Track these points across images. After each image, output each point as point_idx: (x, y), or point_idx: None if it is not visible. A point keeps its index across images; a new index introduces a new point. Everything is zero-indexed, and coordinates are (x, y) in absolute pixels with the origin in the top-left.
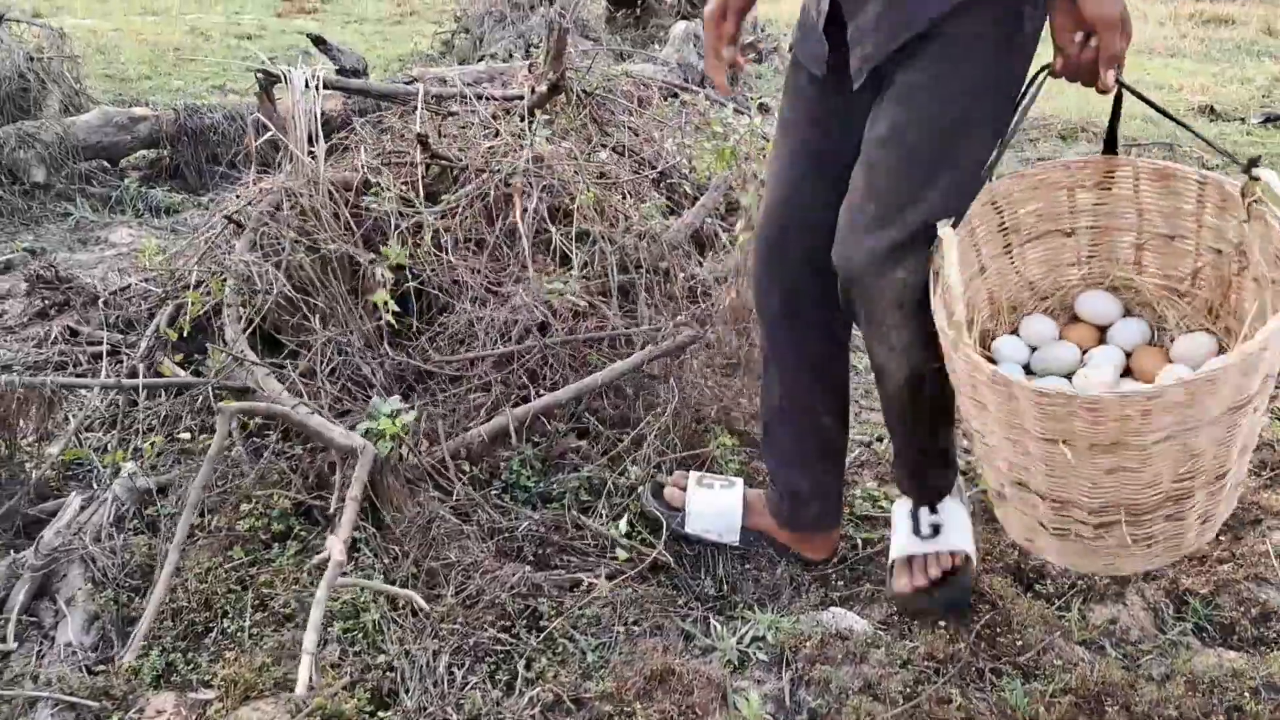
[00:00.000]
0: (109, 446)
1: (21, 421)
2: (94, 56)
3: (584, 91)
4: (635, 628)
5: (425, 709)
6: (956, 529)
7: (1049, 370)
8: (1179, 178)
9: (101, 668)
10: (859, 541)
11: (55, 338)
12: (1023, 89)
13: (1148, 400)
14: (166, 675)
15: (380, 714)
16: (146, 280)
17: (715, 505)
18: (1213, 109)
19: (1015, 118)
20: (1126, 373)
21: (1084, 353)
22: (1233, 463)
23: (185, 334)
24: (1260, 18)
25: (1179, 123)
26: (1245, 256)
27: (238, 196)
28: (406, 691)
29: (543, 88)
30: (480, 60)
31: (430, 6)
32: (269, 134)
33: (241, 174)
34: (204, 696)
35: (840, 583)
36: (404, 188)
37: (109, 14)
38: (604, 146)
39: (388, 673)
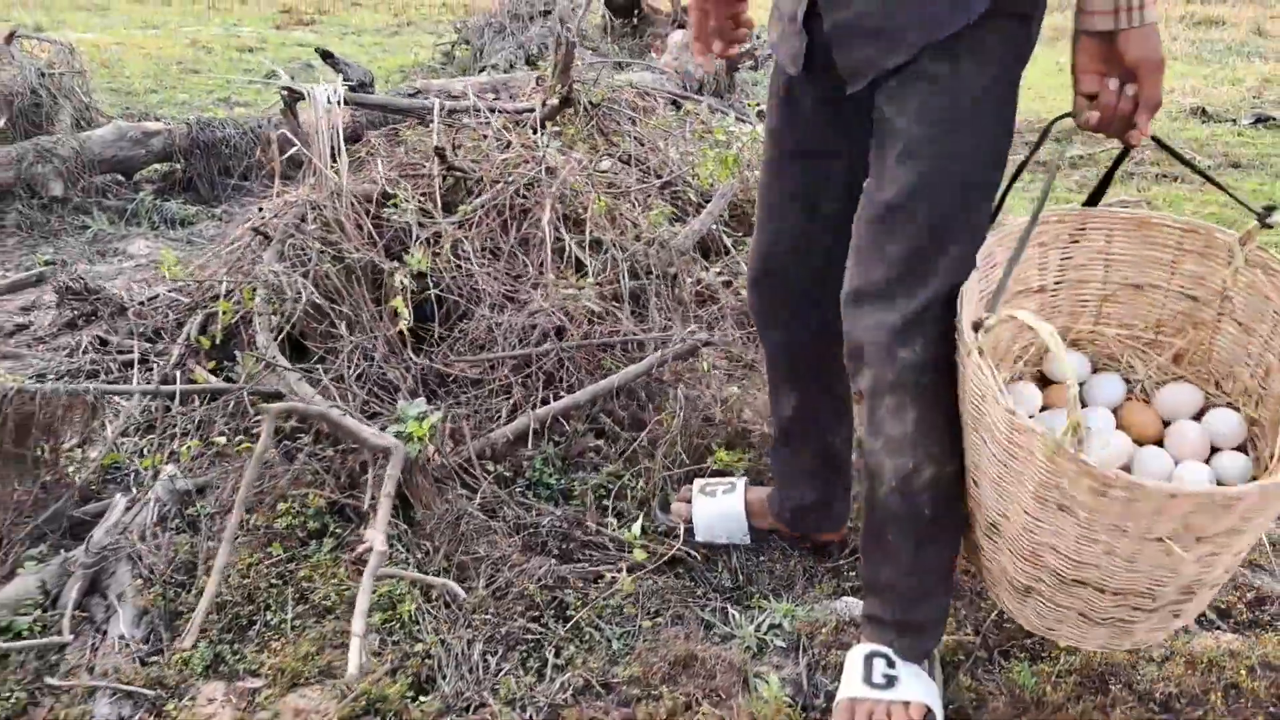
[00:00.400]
0: (144, 451)
1: (65, 427)
2: (98, 70)
3: (590, 103)
4: (657, 617)
5: (462, 694)
6: (917, 683)
7: None
8: (1155, 226)
9: (154, 658)
10: None
11: (85, 347)
12: (1040, 138)
13: None
14: (215, 666)
15: (421, 699)
16: (174, 290)
17: (719, 511)
18: (1204, 110)
19: (1037, 206)
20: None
21: None
22: None
23: (218, 342)
24: (1250, 19)
25: (1204, 175)
26: (1229, 302)
27: (260, 210)
28: (444, 678)
29: (554, 101)
30: (481, 71)
31: (426, 18)
32: (294, 149)
33: (253, 186)
34: (252, 685)
35: (852, 573)
36: (421, 199)
37: (109, 28)
38: (610, 156)
39: (425, 660)
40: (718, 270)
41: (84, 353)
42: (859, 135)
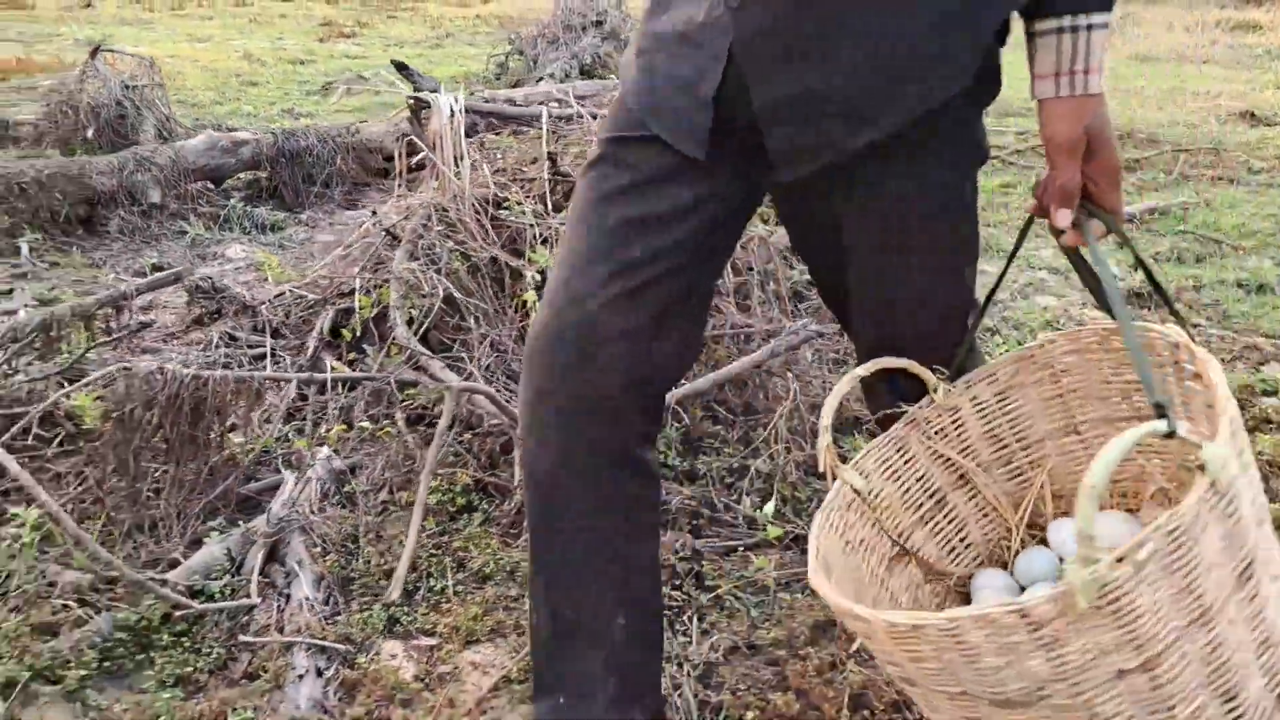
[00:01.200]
0: (289, 436)
1: (230, 412)
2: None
3: None
4: (789, 589)
5: None
6: None
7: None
8: (1092, 342)
9: (335, 619)
10: None
11: (216, 342)
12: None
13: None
14: (390, 626)
15: None
16: (301, 288)
17: None
18: (1252, 114)
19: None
20: None
21: None
22: None
23: (358, 335)
24: None
25: (1161, 293)
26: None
27: (373, 213)
28: None
29: None
30: (538, 81)
31: (462, 29)
32: (421, 154)
33: (333, 193)
34: (428, 642)
35: None
36: (532, 200)
37: (156, 41)
38: None
39: None
40: (804, 268)
41: (215, 347)
42: (731, 226)
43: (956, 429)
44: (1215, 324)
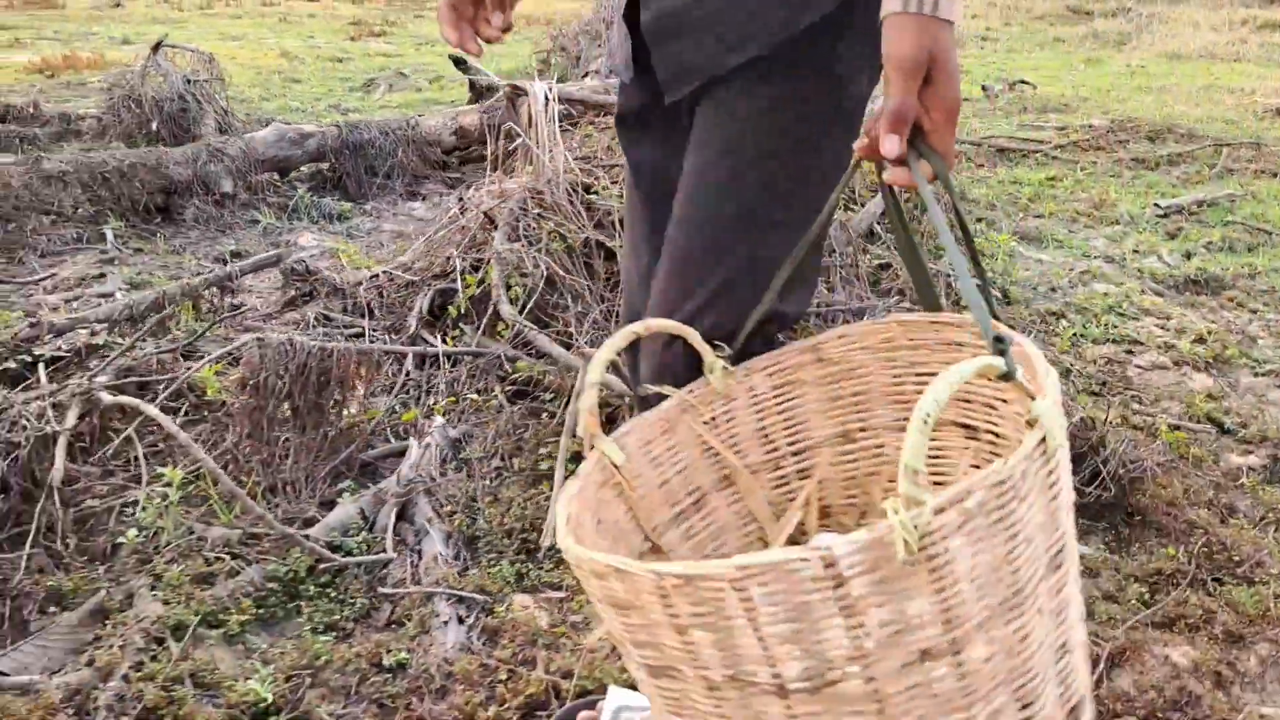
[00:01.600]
0: (395, 408)
1: (352, 382)
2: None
3: None
4: None
5: None
6: None
7: None
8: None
9: (470, 572)
10: None
11: (312, 322)
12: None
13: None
14: (518, 580)
15: None
16: (392, 269)
17: None
18: None
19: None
20: None
21: None
22: None
23: (462, 312)
24: None
25: (967, 230)
26: None
27: (460, 199)
28: None
29: None
30: (584, 77)
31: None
32: (519, 139)
33: (395, 184)
34: (555, 595)
35: None
36: (619, 185)
37: (190, 39)
38: None
39: None
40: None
41: (312, 327)
42: None
43: (728, 421)
44: (1272, 309)
